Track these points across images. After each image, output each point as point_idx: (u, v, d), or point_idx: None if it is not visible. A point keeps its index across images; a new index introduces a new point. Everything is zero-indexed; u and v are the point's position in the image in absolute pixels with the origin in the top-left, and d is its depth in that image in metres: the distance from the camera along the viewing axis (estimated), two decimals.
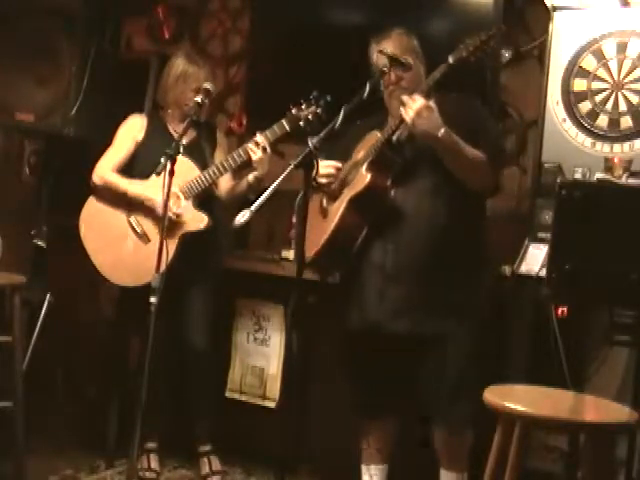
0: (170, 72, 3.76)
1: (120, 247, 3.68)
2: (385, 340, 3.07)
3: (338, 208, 3.12)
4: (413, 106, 2.94)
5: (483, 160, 3.01)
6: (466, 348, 3.05)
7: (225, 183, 3.75)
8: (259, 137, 3.56)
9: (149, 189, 3.61)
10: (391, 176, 3.08)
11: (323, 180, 3.21)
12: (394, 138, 3.08)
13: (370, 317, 3.09)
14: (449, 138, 2.95)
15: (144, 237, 3.66)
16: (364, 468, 3.30)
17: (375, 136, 3.13)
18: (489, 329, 3.15)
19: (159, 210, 3.47)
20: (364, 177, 3.06)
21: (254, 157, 3.54)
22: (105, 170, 3.72)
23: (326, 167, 3.22)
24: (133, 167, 3.74)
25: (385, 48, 3.12)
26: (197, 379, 3.77)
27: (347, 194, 3.12)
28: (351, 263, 3.16)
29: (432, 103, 2.95)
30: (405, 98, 2.99)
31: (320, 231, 3.14)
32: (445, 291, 3.04)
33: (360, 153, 3.16)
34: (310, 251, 3.13)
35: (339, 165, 3.23)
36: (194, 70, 3.72)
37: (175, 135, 3.64)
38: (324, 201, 3.26)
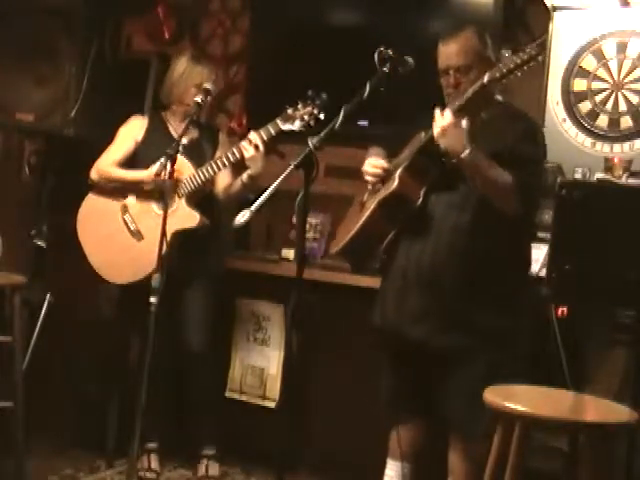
0: (174, 70, 3.79)
1: (114, 244, 3.70)
2: (403, 343, 3.06)
3: (369, 206, 3.10)
4: (440, 123, 2.90)
5: (508, 186, 2.90)
6: (487, 364, 2.96)
7: (222, 182, 3.75)
8: (252, 135, 3.55)
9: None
10: (425, 184, 3.01)
11: (369, 178, 3.18)
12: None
13: (388, 319, 3.09)
14: (472, 160, 2.87)
15: (137, 234, 3.67)
16: (388, 462, 3.28)
17: (420, 138, 3.07)
18: (521, 347, 3.07)
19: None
20: (394, 181, 3.02)
21: (246, 154, 3.53)
22: (105, 165, 3.75)
23: (373, 167, 3.17)
24: (132, 167, 3.74)
25: (447, 48, 3.05)
26: (198, 381, 3.75)
27: (380, 194, 3.09)
28: (376, 261, 3.16)
29: (463, 121, 2.89)
30: (437, 112, 2.93)
31: (352, 224, 3.15)
32: (467, 306, 2.96)
33: (405, 153, 3.12)
34: (341, 240, 3.16)
35: (385, 165, 3.15)
36: (197, 68, 3.74)
37: (175, 135, 3.65)
38: (366, 195, 3.23)
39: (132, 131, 3.80)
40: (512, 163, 2.93)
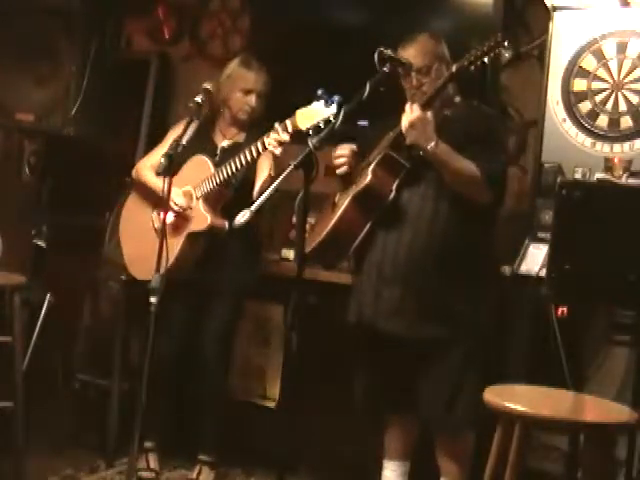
0: (224, 72, 3.76)
1: (141, 241, 3.71)
2: (381, 339, 3.10)
3: (342, 204, 3.15)
4: (408, 117, 3.00)
5: (477, 176, 3.02)
6: (462, 354, 3.07)
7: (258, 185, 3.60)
8: (278, 135, 3.36)
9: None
10: (397, 178, 3.10)
11: (337, 161, 3.24)
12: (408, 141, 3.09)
13: (365, 315, 3.13)
14: (439, 152, 2.99)
15: (159, 232, 3.67)
16: (384, 463, 3.32)
17: (389, 136, 3.16)
18: (489, 335, 3.16)
19: (170, 203, 3.47)
20: (366, 176, 3.10)
21: (277, 152, 3.39)
22: (142, 166, 3.78)
23: (341, 149, 3.26)
24: (179, 166, 3.62)
25: (406, 53, 3.16)
26: (206, 386, 3.72)
27: (352, 191, 3.15)
28: (349, 258, 3.22)
29: (429, 115, 3.01)
30: (407, 107, 3.05)
31: (325, 224, 3.19)
32: (442, 297, 3.06)
33: (376, 151, 3.19)
34: (313, 242, 3.18)
35: (354, 147, 3.25)
36: (244, 72, 3.70)
37: (216, 139, 3.71)
38: (337, 196, 3.29)
39: (179, 132, 3.74)
40: (477, 154, 3.03)
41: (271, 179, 3.45)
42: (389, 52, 3.10)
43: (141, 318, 3.22)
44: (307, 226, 3.08)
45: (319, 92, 3.26)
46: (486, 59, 3.01)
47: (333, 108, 3.19)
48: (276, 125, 3.39)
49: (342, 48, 4.01)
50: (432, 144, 2.98)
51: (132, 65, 4.51)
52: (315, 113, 3.24)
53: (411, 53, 3.17)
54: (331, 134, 2.94)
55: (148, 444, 3.78)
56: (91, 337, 4.27)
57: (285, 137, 3.35)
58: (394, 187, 3.10)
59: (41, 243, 4.15)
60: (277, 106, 3.60)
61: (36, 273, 4.05)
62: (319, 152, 2.87)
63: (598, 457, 2.39)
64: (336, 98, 3.18)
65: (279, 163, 3.41)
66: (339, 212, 3.14)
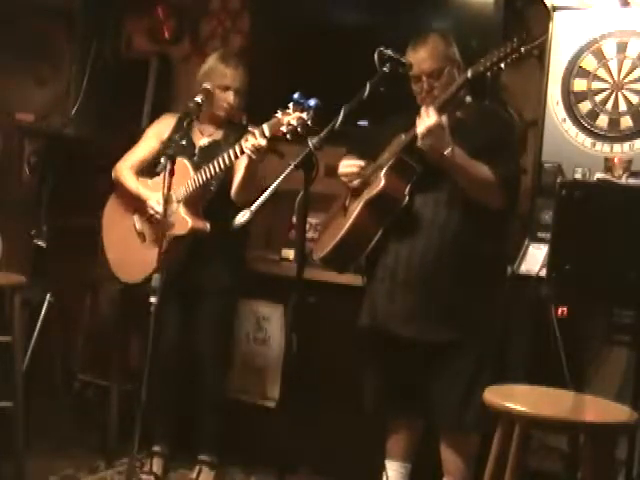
0: (202, 68, 3.72)
1: (124, 244, 3.70)
2: (395, 343, 3.09)
3: (355, 208, 3.14)
4: (425, 122, 2.93)
5: (492, 181, 2.99)
6: (476, 355, 3.06)
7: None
8: (255, 140, 3.31)
9: (149, 188, 3.60)
10: (410, 183, 3.08)
11: (344, 178, 3.23)
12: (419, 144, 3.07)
13: (379, 319, 3.13)
14: (454, 158, 2.94)
15: (141, 235, 3.66)
16: (387, 463, 3.31)
17: (400, 139, 3.13)
18: (500, 336, 3.18)
19: (149, 210, 3.56)
20: (379, 181, 3.08)
21: (254, 157, 3.35)
22: (122, 167, 3.73)
23: (347, 166, 3.23)
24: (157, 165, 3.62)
25: (417, 55, 3.12)
26: (205, 387, 3.72)
27: (365, 196, 3.13)
28: (361, 262, 3.20)
29: (444, 119, 2.94)
30: (422, 110, 2.99)
31: (338, 228, 3.18)
32: (456, 300, 3.04)
33: (386, 155, 3.17)
34: (326, 247, 3.18)
35: (361, 164, 3.21)
36: (221, 68, 3.64)
37: (194, 137, 3.66)
38: (347, 199, 3.28)
39: (159, 130, 3.71)
40: (492, 158, 2.99)
41: (248, 178, 3.43)
42: (389, 52, 3.07)
43: (141, 318, 3.22)
44: (307, 226, 3.07)
45: (295, 96, 3.18)
46: (502, 64, 2.93)
47: (310, 112, 3.10)
48: (251, 128, 3.33)
49: (342, 48, 4.01)
50: (448, 150, 2.92)
51: (132, 65, 4.51)
52: (292, 117, 3.15)
53: (422, 56, 3.12)
54: (331, 134, 2.93)
55: (156, 448, 3.76)
56: (91, 337, 4.27)
57: (262, 142, 3.27)
58: (407, 192, 3.08)
59: (41, 243, 4.15)
60: (276, 106, 3.60)
61: (36, 273, 4.06)
62: (319, 152, 2.87)
63: (598, 457, 2.38)
64: (312, 102, 3.11)
65: (258, 164, 3.38)
66: (352, 217, 3.12)
